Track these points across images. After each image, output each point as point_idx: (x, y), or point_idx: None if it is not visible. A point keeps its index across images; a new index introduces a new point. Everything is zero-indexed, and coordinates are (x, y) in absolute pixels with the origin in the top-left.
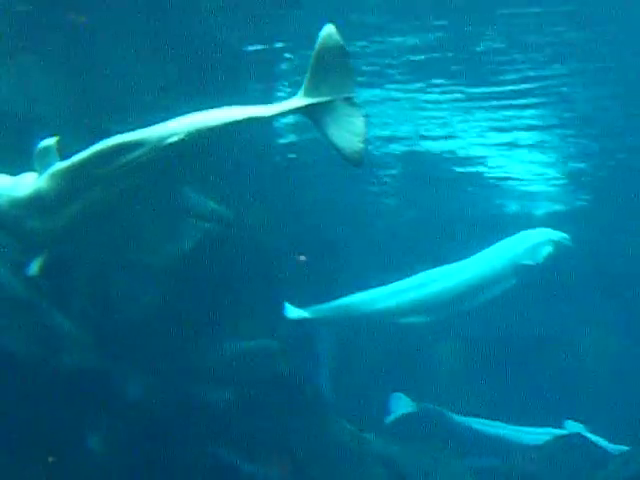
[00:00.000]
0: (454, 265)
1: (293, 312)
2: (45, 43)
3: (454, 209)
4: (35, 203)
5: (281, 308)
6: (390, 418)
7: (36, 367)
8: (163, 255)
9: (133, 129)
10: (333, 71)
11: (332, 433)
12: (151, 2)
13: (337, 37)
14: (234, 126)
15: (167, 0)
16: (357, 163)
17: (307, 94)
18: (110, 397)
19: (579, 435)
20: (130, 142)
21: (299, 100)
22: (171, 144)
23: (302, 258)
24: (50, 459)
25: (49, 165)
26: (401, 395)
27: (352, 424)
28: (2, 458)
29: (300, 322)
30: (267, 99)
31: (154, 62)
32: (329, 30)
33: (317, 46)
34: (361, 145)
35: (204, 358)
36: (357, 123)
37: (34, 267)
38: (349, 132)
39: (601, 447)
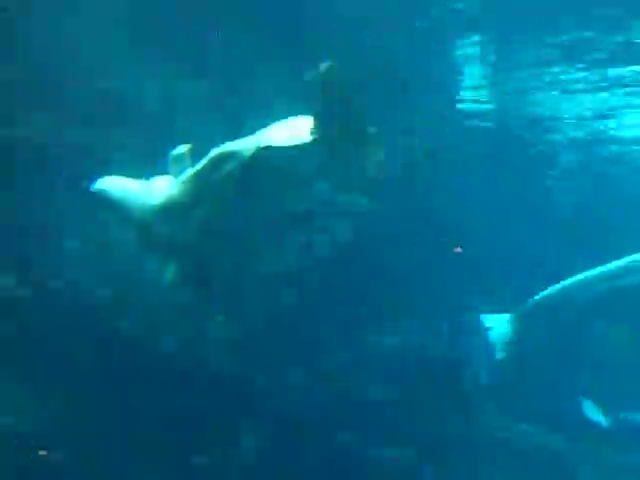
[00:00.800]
0: None
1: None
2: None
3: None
4: (166, 210)
5: (440, 301)
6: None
7: (192, 370)
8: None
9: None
10: (342, 105)
11: (493, 425)
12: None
13: (336, 73)
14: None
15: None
16: (373, 191)
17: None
18: (265, 397)
19: None
20: (227, 152)
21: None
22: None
23: (459, 250)
24: (207, 458)
25: (182, 171)
26: (591, 404)
27: (514, 416)
28: (163, 457)
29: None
30: None
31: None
32: (328, 67)
33: (319, 84)
34: (376, 173)
35: (363, 353)
36: (372, 152)
37: (168, 274)
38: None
39: None
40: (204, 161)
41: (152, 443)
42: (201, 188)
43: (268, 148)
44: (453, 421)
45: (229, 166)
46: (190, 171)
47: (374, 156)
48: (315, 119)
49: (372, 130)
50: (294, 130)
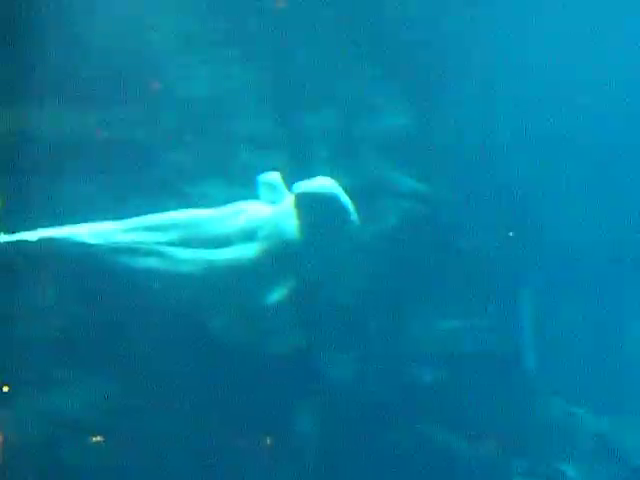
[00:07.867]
0: None
1: None
2: (244, 34)
3: None
4: None
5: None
6: None
7: (246, 351)
8: (364, 236)
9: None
10: None
11: (541, 408)
12: None
13: None
14: None
15: None
16: None
17: None
18: (319, 379)
19: None
20: None
21: None
22: None
23: (510, 234)
24: (264, 441)
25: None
26: None
27: (561, 399)
28: (218, 441)
29: None
30: None
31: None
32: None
33: None
34: None
35: (412, 338)
36: None
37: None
38: None
39: None
40: None
41: None
42: None
43: None
44: (507, 405)
45: None
46: None
47: None
48: None
49: None
50: None
